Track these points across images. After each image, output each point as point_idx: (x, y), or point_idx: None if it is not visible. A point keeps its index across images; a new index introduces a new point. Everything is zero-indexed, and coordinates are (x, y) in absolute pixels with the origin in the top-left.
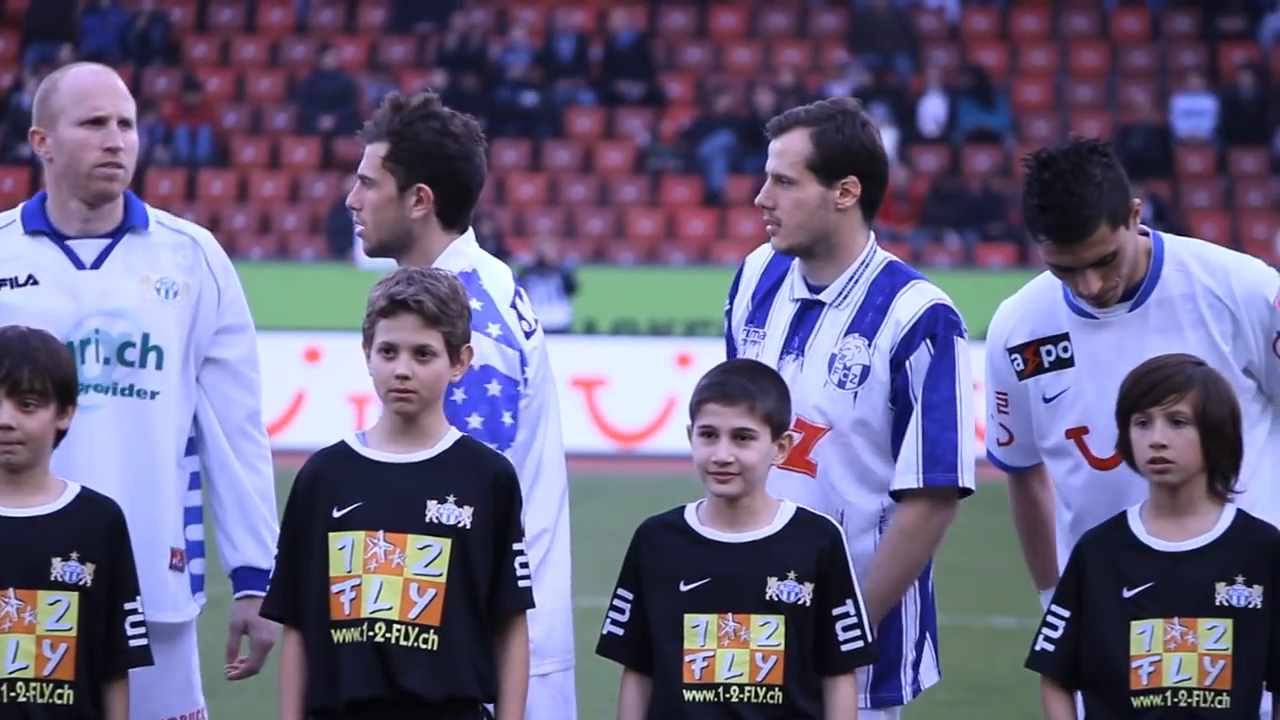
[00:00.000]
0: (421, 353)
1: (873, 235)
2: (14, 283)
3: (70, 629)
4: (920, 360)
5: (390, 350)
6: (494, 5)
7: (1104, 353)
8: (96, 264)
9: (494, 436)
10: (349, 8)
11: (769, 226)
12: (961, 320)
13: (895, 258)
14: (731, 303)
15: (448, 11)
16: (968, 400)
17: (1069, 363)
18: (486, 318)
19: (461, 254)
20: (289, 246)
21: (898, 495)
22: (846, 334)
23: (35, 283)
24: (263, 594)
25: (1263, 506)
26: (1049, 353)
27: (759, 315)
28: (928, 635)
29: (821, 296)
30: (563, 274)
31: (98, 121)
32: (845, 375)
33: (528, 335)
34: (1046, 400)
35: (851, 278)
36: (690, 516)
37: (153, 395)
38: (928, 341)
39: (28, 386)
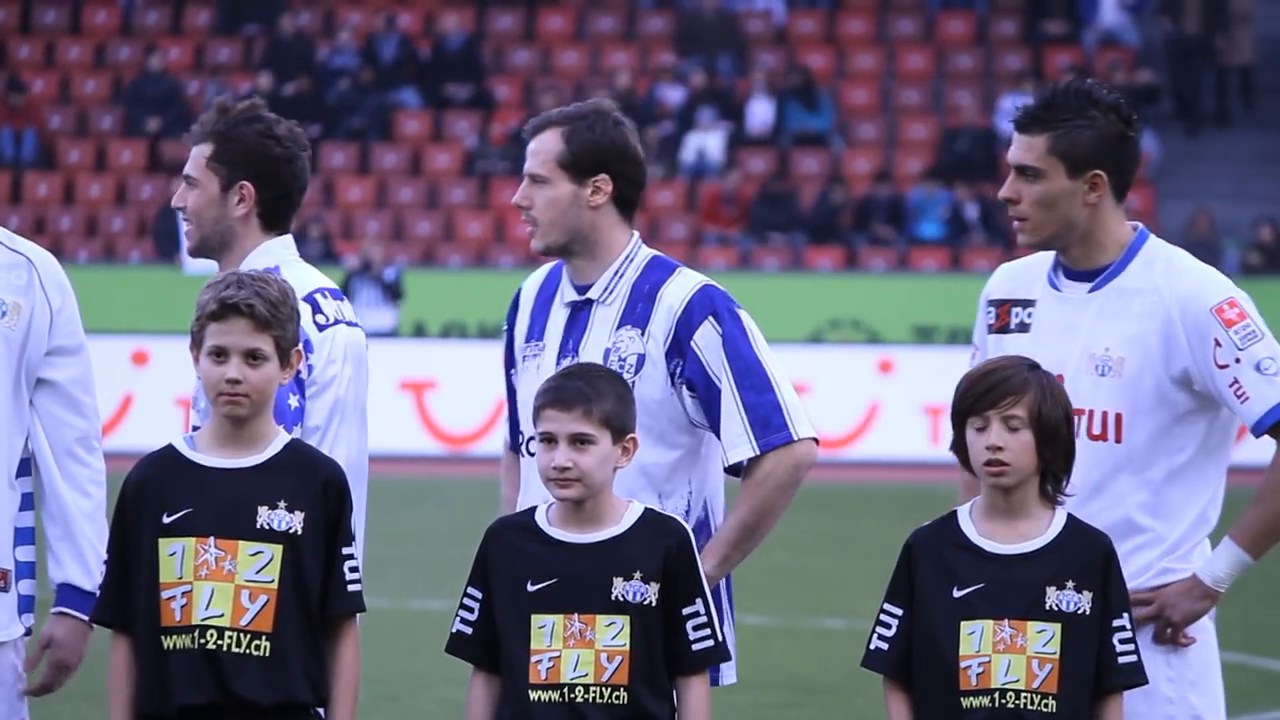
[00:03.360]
0: (253, 356)
1: (636, 234)
2: None
3: None
4: (707, 338)
5: (221, 354)
6: (321, 7)
7: (1054, 325)
8: None
9: (280, 417)
10: (175, 9)
11: (527, 228)
12: (731, 296)
13: (659, 254)
14: (511, 328)
15: (275, 13)
16: (771, 360)
17: (1027, 329)
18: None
19: (271, 253)
20: (115, 249)
21: (735, 468)
22: (618, 328)
23: None
24: (75, 613)
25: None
26: (1016, 315)
27: (536, 329)
28: (728, 631)
29: (589, 295)
30: (386, 282)
31: None
32: (621, 366)
33: (321, 328)
34: None
35: (616, 273)
36: (540, 517)
37: None
38: (711, 320)
39: None
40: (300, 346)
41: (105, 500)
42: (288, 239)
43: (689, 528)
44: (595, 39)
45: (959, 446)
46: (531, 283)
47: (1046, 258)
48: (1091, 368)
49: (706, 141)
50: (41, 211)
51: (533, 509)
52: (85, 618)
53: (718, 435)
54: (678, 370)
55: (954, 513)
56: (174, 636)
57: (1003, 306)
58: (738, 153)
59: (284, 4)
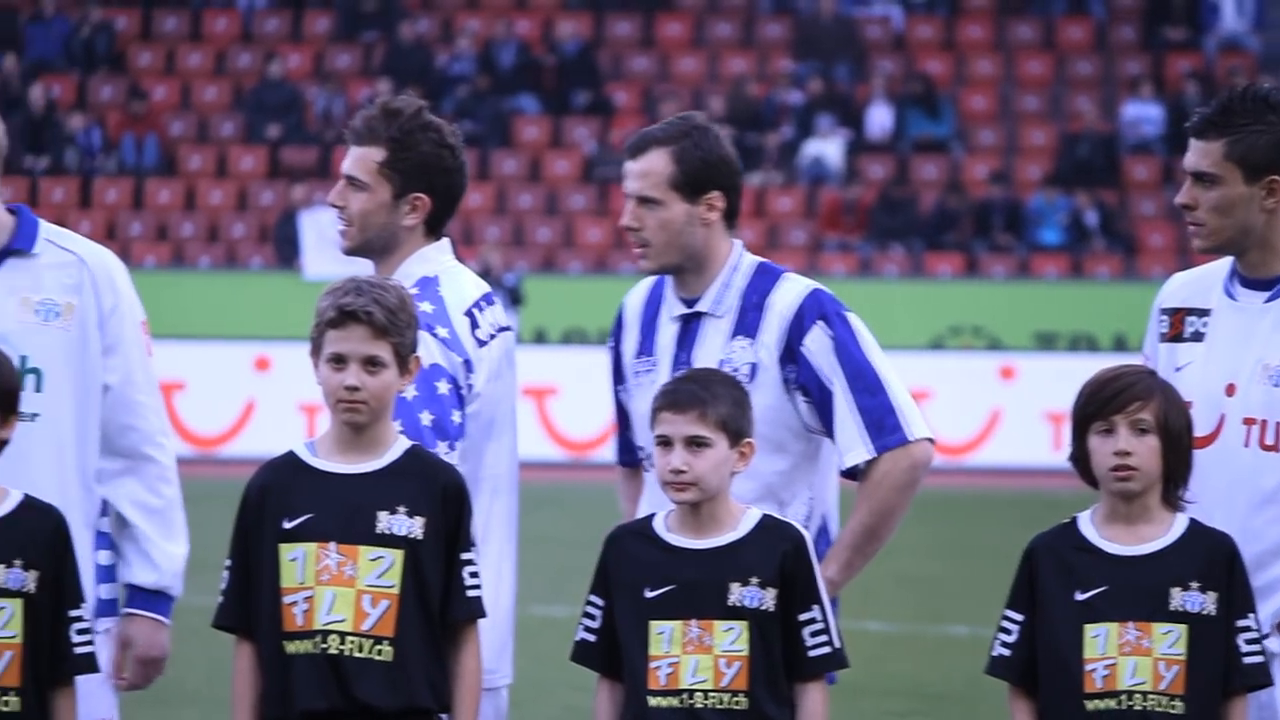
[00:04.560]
0: (371, 363)
1: (738, 241)
2: None
3: (15, 636)
4: (818, 342)
5: (340, 361)
6: (439, 14)
7: (1229, 334)
8: None
9: (443, 434)
10: (295, 16)
11: (638, 249)
12: (839, 299)
13: (764, 260)
14: (617, 344)
15: (394, 20)
16: (882, 362)
17: (1201, 338)
18: (436, 320)
19: (429, 260)
20: (237, 255)
21: (852, 472)
22: (731, 338)
23: None
24: (143, 611)
25: None
26: (1190, 324)
27: (646, 344)
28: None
29: (699, 307)
30: (507, 288)
31: None
32: (735, 376)
33: (481, 344)
34: (1176, 370)
35: (724, 284)
36: (658, 523)
37: (32, 417)
38: (821, 324)
39: None
40: (418, 353)
41: (175, 497)
42: (445, 243)
43: (807, 533)
44: (713, 45)
45: (1079, 455)
46: (635, 298)
47: (1222, 266)
48: (1265, 378)
49: (825, 148)
50: (163, 218)
51: (651, 515)
52: (152, 615)
53: (832, 439)
54: (791, 376)
55: (1074, 518)
56: (296, 642)
57: (1176, 315)
58: (857, 159)
59: (403, 11)
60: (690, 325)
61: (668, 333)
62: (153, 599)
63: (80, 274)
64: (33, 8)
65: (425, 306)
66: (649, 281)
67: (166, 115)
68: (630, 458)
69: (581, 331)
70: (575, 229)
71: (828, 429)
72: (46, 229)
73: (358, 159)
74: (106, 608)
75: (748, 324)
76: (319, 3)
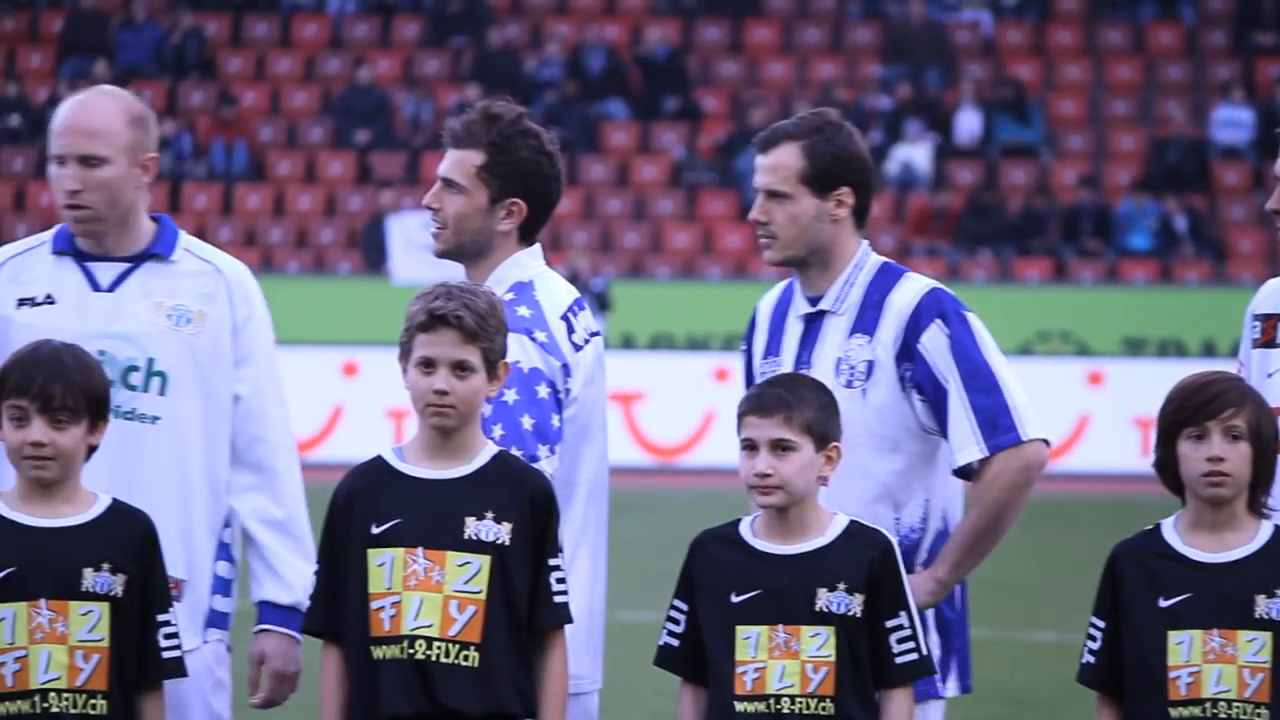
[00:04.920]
0: (460, 368)
1: (866, 242)
2: (32, 301)
3: (102, 639)
4: (935, 341)
5: (429, 365)
6: (528, 19)
7: None
8: (113, 287)
9: (543, 438)
10: (384, 22)
11: (762, 240)
12: (959, 299)
13: (888, 260)
14: (749, 347)
15: (482, 26)
16: (999, 362)
17: None
18: (535, 325)
19: (523, 265)
20: (325, 260)
21: (965, 472)
22: (850, 336)
23: (52, 302)
24: (276, 627)
25: None
26: None
27: (773, 345)
28: (955, 641)
29: (822, 305)
30: (595, 293)
31: (60, 160)
32: (852, 374)
33: (577, 349)
34: (1268, 376)
35: (846, 282)
36: (744, 528)
37: (153, 420)
38: (938, 322)
39: (59, 403)
40: (518, 358)
41: (301, 512)
42: (537, 249)
43: (894, 539)
44: (802, 50)
45: (1164, 461)
46: (767, 301)
47: None
48: None
49: (914, 153)
50: (252, 223)
51: (737, 520)
52: (286, 631)
53: (946, 438)
54: (907, 374)
55: (1158, 525)
56: (383, 646)
57: (1269, 321)
58: (945, 164)
59: (492, 16)
60: (814, 324)
61: (793, 333)
62: (287, 615)
63: (216, 284)
64: (124, 14)
65: (523, 311)
66: (781, 285)
67: (256, 121)
68: None
69: (669, 336)
70: (663, 234)
71: (942, 428)
72: (186, 239)
73: (456, 162)
74: (219, 619)
75: (866, 322)
76: (408, 8)
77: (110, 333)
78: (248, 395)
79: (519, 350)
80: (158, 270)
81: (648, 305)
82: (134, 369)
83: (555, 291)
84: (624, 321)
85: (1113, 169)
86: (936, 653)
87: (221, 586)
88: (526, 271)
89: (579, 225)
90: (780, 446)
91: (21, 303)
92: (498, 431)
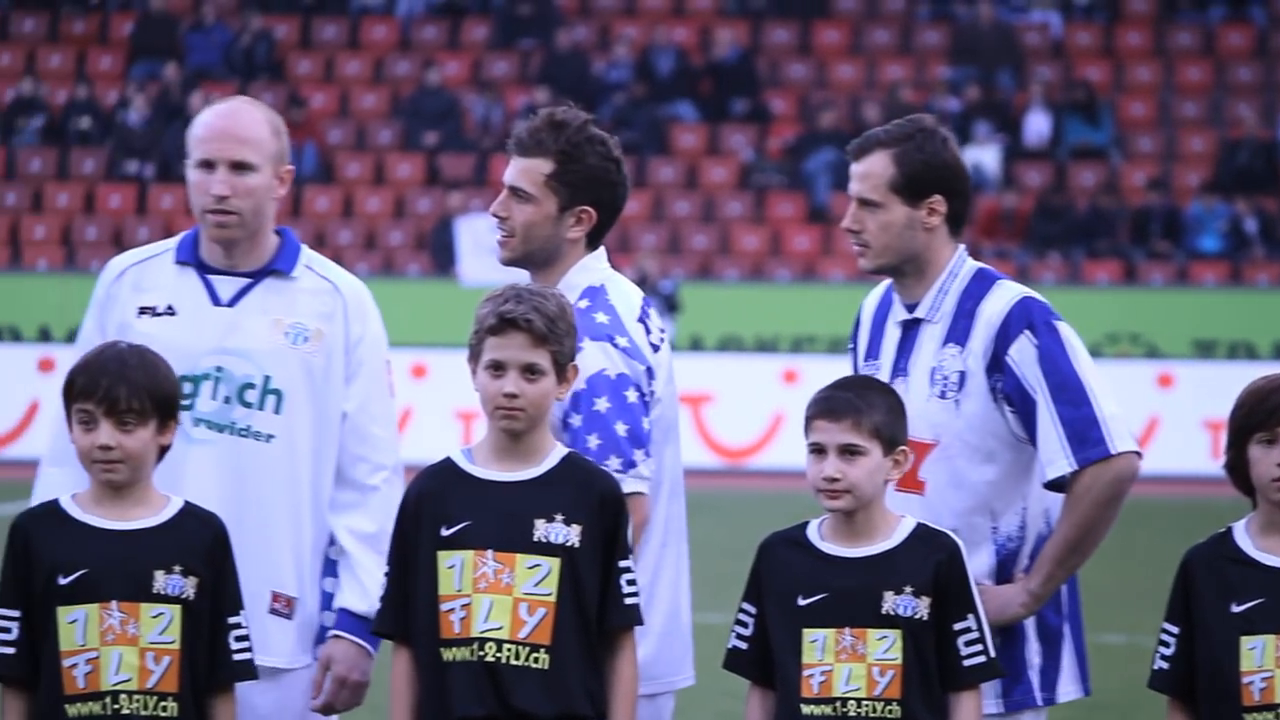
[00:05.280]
0: (530, 371)
1: (962, 247)
2: (153, 311)
3: (173, 642)
4: (1023, 352)
5: (498, 368)
6: (596, 22)
7: None
8: (232, 301)
9: (638, 442)
10: (453, 24)
11: (856, 249)
12: (1051, 307)
13: (984, 265)
14: (854, 344)
15: (551, 28)
16: (1090, 372)
17: None
18: (614, 330)
19: (592, 269)
20: (394, 263)
21: (1056, 485)
22: (943, 345)
23: (173, 313)
24: (350, 636)
25: None
26: None
27: (873, 348)
28: (1065, 646)
29: (917, 313)
30: (663, 295)
31: (208, 165)
32: (945, 385)
33: (655, 349)
34: None
35: (941, 289)
36: (811, 532)
37: (268, 438)
38: (1027, 333)
39: (125, 406)
40: (576, 362)
41: (390, 528)
42: (601, 253)
43: (961, 542)
44: (870, 52)
45: (1235, 464)
46: (870, 300)
47: None
48: None
49: (982, 155)
50: (321, 225)
51: (805, 523)
52: (356, 639)
53: (1036, 449)
54: (997, 385)
55: (1229, 529)
56: (453, 649)
57: None
58: (1014, 166)
59: (560, 19)
60: (910, 331)
61: (891, 338)
62: (361, 624)
63: (334, 302)
64: (193, 16)
65: (601, 318)
66: (884, 284)
67: (325, 123)
68: None
69: (738, 339)
70: (731, 236)
71: (1032, 440)
72: (307, 254)
73: (524, 170)
74: (325, 635)
75: (959, 331)
76: (477, 10)
77: (227, 349)
78: (353, 413)
79: (603, 358)
80: (278, 287)
81: (716, 307)
82: (250, 386)
83: (627, 294)
84: (693, 323)
85: (1182, 171)
86: (1037, 660)
87: (328, 602)
88: (596, 276)
89: (647, 227)
90: (849, 451)
91: (142, 311)
92: (593, 441)
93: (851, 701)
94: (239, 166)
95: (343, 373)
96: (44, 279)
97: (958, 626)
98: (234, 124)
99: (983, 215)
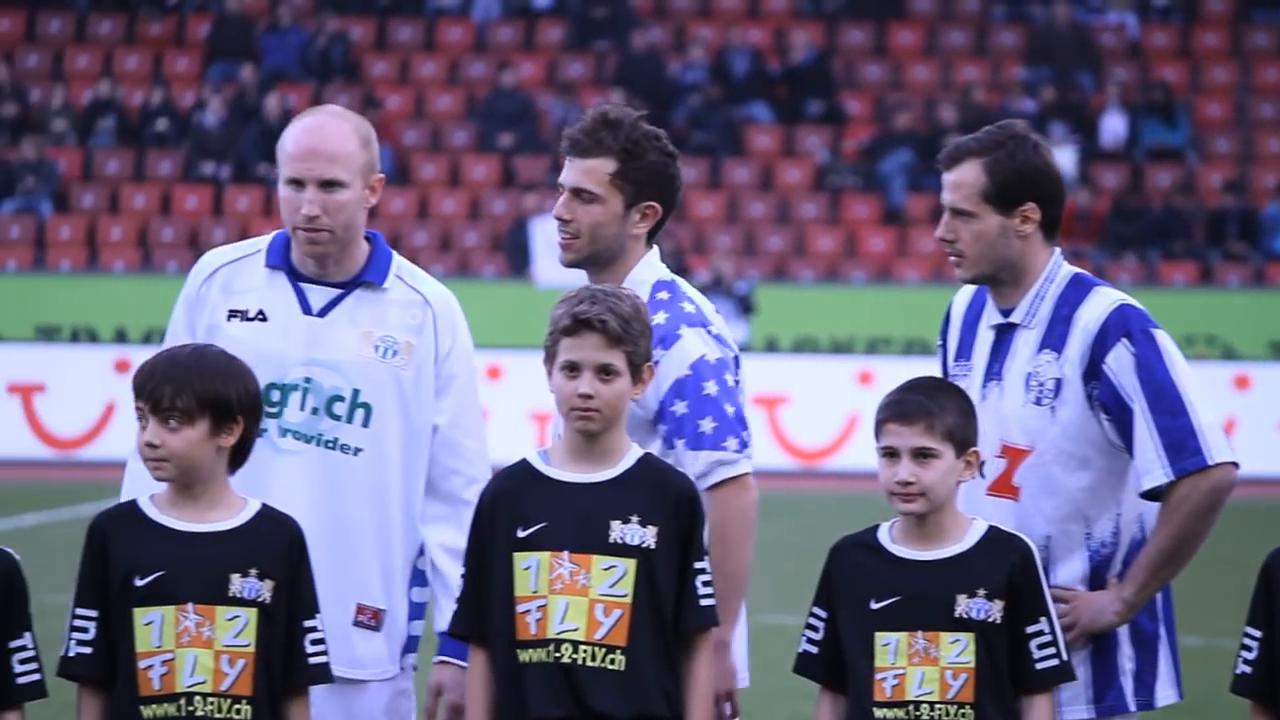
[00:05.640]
0: (605, 371)
1: (1057, 251)
2: (244, 315)
3: (248, 645)
4: (1121, 360)
5: (573, 369)
6: (671, 23)
7: None
8: (323, 312)
9: (743, 424)
10: (528, 26)
11: (952, 259)
12: (1149, 315)
13: (1081, 270)
14: (944, 342)
15: (626, 30)
16: (1188, 382)
17: None
18: (700, 320)
19: (655, 265)
20: (469, 264)
21: (1152, 494)
22: (1038, 351)
23: (264, 319)
24: (455, 660)
25: None
26: None
27: (965, 348)
28: (1161, 650)
29: (1012, 318)
30: (739, 296)
31: (297, 183)
32: (1041, 391)
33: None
34: None
35: (1037, 295)
36: (883, 535)
37: (355, 451)
38: (1124, 341)
39: (169, 405)
40: (652, 363)
41: None
42: (655, 250)
43: (1034, 545)
44: (946, 53)
45: None
46: (961, 299)
47: None
48: None
49: (1058, 156)
50: (396, 227)
51: (876, 526)
52: (464, 664)
53: (1132, 458)
54: (1094, 393)
55: None
56: (529, 650)
57: None
58: (1090, 167)
59: (635, 20)
60: (1005, 336)
61: (984, 341)
62: (463, 649)
63: (424, 315)
64: (269, 18)
65: (688, 306)
66: (974, 286)
67: (400, 124)
68: None
69: (813, 340)
70: (806, 238)
71: (1128, 448)
72: (398, 263)
73: (586, 171)
74: (414, 644)
75: (1055, 338)
76: (552, 12)
77: (316, 360)
78: (444, 426)
79: (702, 343)
80: (368, 299)
81: (791, 309)
82: (339, 399)
83: (691, 288)
84: (767, 325)
85: (1259, 172)
86: (1130, 665)
87: (416, 612)
88: (662, 272)
89: (722, 229)
90: (922, 454)
91: (233, 315)
92: (708, 425)
93: (924, 705)
94: (329, 184)
95: (432, 386)
96: (120, 280)
97: (1030, 629)
98: (322, 141)
99: (1064, 216)
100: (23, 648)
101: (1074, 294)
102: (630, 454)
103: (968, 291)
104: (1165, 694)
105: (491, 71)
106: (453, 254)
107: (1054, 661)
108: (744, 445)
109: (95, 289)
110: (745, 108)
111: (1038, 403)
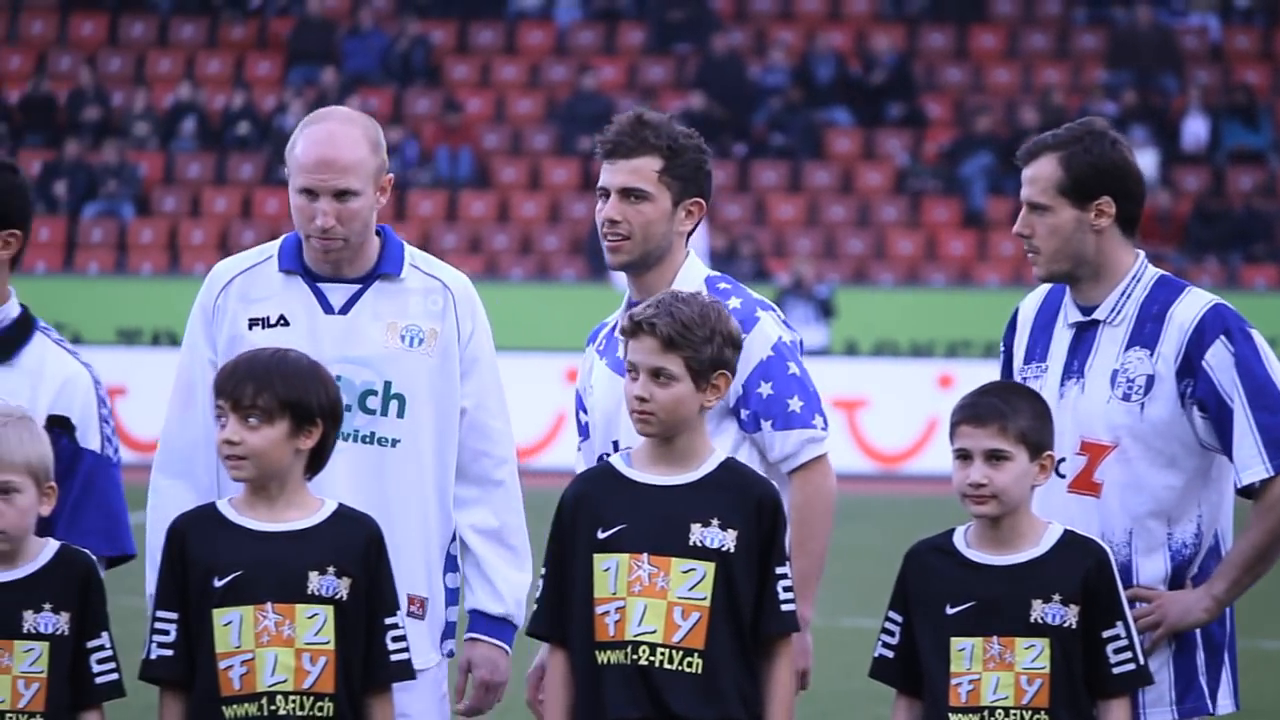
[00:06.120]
0: (658, 375)
1: (1141, 253)
2: (265, 322)
3: (328, 642)
4: (1219, 358)
5: (632, 370)
6: (753, 26)
7: None
8: (345, 309)
9: (820, 406)
10: (608, 29)
11: (1029, 255)
12: (1242, 315)
13: (1166, 273)
14: (1009, 347)
15: (706, 32)
16: None
17: None
18: (768, 305)
19: (702, 264)
20: (549, 267)
21: (1248, 491)
22: (1127, 349)
23: (286, 324)
24: (485, 637)
25: None
26: None
27: (1039, 350)
28: (1225, 658)
29: (1096, 315)
30: (819, 299)
31: (311, 193)
32: (1130, 388)
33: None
34: None
35: (1124, 293)
36: (958, 539)
37: (393, 443)
38: (1223, 338)
39: (249, 403)
40: (727, 371)
41: (517, 522)
42: (694, 252)
43: (1110, 550)
44: (1027, 56)
45: None
46: (1030, 303)
47: None
48: None
49: (1139, 159)
50: (477, 230)
51: (951, 530)
52: (495, 641)
53: (1229, 457)
54: (1188, 390)
55: None
56: (607, 651)
57: None
58: (1171, 170)
59: (716, 23)
60: (1086, 333)
61: (1062, 340)
62: (497, 625)
63: (444, 300)
64: (351, 21)
65: (753, 293)
66: (1045, 287)
67: (481, 128)
68: None
69: (893, 343)
70: (887, 241)
71: (1225, 446)
72: (410, 252)
73: (634, 170)
74: (452, 630)
75: (1145, 335)
76: (632, 15)
77: (346, 357)
78: (471, 409)
79: (778, 327)
80: (387, 290)
81: (871, 312)
82: (371, 393)
83: (752, 294)
84: (847, 328)
85: None
86: (1204, 669)
87: (451, 598)
88: (709, 269)
89: (802, 232)
90: (995, 456)
91: (254, 323)
92: (796, 403)
93: (999, 710)
94: (342, 194)
95: (458, 370)
96: (201, 283)
97: (1107, 634)
98: (335, 151)
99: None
100: (101, 647)
101: (1163, 293)
102: (712, 458)
103: (1037, 296)
104: (1225, 703)
105: (572, 74)
106: (533, 257)
107: (1131, 666)
108: (826, 425)
109: (176, 292)
110: (826, 111)
111: (1126, 399)
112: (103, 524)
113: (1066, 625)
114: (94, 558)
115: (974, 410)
